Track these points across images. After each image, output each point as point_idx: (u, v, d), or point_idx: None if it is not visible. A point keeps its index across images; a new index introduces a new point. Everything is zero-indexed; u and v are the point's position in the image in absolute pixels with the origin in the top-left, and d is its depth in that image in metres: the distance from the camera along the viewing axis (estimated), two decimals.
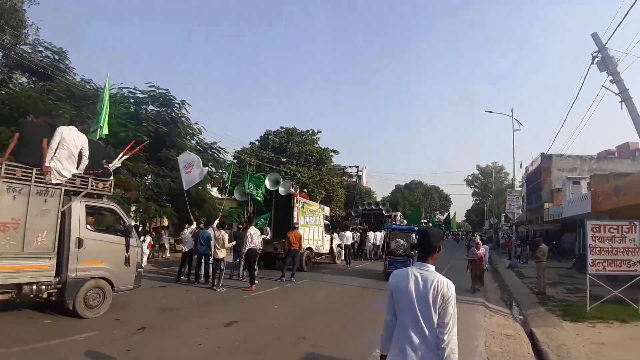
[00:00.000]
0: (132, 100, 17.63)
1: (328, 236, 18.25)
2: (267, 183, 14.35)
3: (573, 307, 9.54)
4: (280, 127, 40.94)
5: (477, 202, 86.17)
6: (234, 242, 11.59)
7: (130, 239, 7.79)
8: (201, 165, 13.06)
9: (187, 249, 12.13)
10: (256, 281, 11.94)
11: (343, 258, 19.16)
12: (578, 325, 7.93)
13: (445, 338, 2.46)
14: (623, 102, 11.03)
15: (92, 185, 7.34)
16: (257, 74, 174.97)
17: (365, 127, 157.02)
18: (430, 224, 50.07)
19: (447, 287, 2.52)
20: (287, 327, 7.07)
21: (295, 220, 14.11)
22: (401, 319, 2.59)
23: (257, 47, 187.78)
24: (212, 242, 11.01)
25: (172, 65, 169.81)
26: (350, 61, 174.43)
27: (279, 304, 9.21)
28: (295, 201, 14.75)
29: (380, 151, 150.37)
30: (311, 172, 37.66)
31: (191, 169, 12.95)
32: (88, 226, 7.44)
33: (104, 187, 7.61)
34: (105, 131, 10.23)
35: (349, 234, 19.34)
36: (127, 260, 7.75)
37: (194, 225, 12.60)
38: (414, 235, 13.99)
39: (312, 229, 16.18)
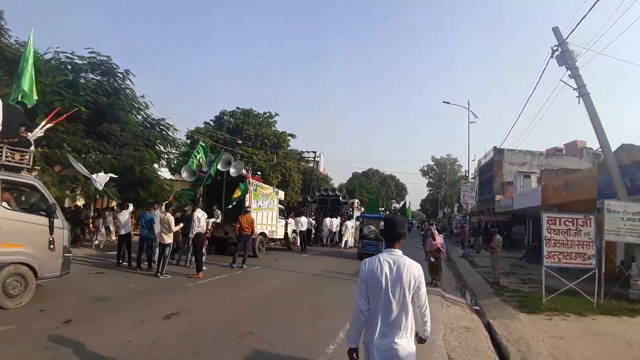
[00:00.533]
0: (69, 67, 15.98)
1: (283, 221, 17.64)
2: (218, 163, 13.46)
3: (529, 299, 9.49)
4: (237, 108, 39.55)
5: (432, 192, 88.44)
6: (181, 225, 10.75)
7: (55, 220, 6.80)
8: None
9: (124, 232, 11.09)
10: (205, 267, 11.21)
11: (298, 244, 18.64)
12: (535, 318, 7.79)
13: (426, 313, 2.78)
14: (580, 97, 11.01)
15: (6, 156, 6.29)
16: (211, 53, 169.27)
17: (322, 112, 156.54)
18: (387, 212, 50.73)
19: (418, 269, 2.72)
20: (232, 320, 6.41)
21: (247, 204, 13.35)
22: (375, 305, 2.66)
23: (211, 24, 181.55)
24: (157, 225, 10.09)
25: (124, 38, 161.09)
26: (309, 43, 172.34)
27: (226, 293, 8.51)
28: (247, 183, 13.97)
29: (338, 138, 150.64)
30: (268, 155, 36.76)
31: None
32: (4, 203, 6.42)
33: (21, 159, 6.55)
34: (35, 97, 9.05)
35: (304, 219, 18.79)
36: (51, 244, 6.78)
37: (131, 208, 11.57)
38: (382, 222, 14.91)
39: (265, 213, 15.48)
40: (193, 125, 38.86)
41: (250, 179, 14.07)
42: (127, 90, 17.36)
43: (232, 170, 13.45)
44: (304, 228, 18.50)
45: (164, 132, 18.72)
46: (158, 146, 17.78)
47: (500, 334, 6.65)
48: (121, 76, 17.19)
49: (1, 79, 13.13)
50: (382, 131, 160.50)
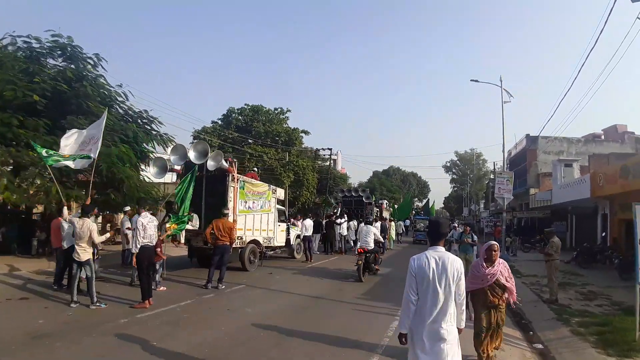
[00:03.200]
0: (27, 53, 13.65)
1: (283, 225, 14.84)
2: (192, 155, 10.76)
3: (613, 331, 6.48)
4: (245, 105, 37.21)
5: (456, 189, 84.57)
6: (107, 236, 8.16)
7: None
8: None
9: (66, 246, 8.39)
10: (163, 288, 8.69)
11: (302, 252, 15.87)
12: None
13: (463, 302, 3.25)
14: None
15: None
16: (219, 48, 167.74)
17: (338, 107, 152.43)
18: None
19: (459, 263, 3.22)
20: None
21: (226, 206, 10.59)
22: (424, 297, 3.12)
23: (223, 19, 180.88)
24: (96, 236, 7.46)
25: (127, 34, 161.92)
26: (323, 35, 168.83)
27: (169, 335, 5.79)
28: (230, 179, 11.27)
29: (356, 134, 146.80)
30: (279, 153, 34.24)
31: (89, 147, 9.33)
32: None
33: None
34: None
35: (308, 222, 15.84)
36: None
37: (74, 214, 9.00)
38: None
39: (258, 216, 12.73)
40: (200, 125, 36.56)
41: (234, 174, 11.35)
42: (102, 79, 14.99)
43: (209, 163, 10.75)
44: (309, 233, 15.59)
45: (146, 126, 16.24)
46: (138, 144, 15.18)
47: None
48: (92, 63, 14.81)
49: None
50: (402, 125, 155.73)
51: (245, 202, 11.99)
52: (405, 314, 3.18)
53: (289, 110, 38.04)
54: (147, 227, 7.51)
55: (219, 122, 36.93)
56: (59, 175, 12.55)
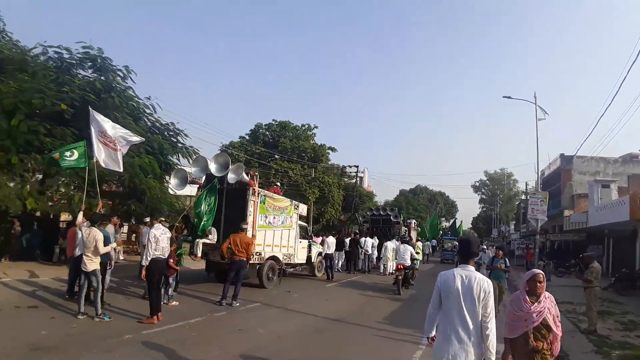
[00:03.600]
0: (58, 63, 13.95)
1: (304, 242, 14.38)
2: (213, 167, 10.56)
3: None
4: (273, 120, 37.37)
5: (485, 209, 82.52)
6: (113, 245, 7.93)
7: None
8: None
9: (77, 254, 8.19)
10: (174, 302, 8.40)
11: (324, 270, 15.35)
12: None
13: (489, 325, 3.03)
14: None
15: None
16: (254, 65, 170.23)
17: (366, 125, 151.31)
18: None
19: (487, 283, 3.10)
20: None
21: (245, 220, 10.25)
22: (448, 311, 3.11)
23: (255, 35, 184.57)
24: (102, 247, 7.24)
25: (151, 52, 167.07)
26: (349, 51, 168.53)
27: (173, 355, 5.42)
28: (251, 193, 10.98)
29: (383, 152, 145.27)
30: (305, 170, 34.04)
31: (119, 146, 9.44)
32: None
33: None
34: None
35: (331, 239, 15.32)
36: None
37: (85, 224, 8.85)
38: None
39: (278, 232, 12.35)
40: (228, 140, 36.89)
41: (255, 187, 11.06)
42: (130, 91, 15.16)
43: (230, 176, 10.51)
44: (331, 251, 15.04)
45: (172, 139, 16.31)
46: (163, 155, 15.20)
47: None
48: (122, 75, 15.02)
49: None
50: (430, 143, 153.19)
51: (266, 217, 11.65)
52: (428, 322, 3.29)
53: (316, 127, 37.96)
54: (159, 239, 7.24)
55: (247, 137, 37.15)
56: (81, 181, 12.67)
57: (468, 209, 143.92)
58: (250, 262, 10.32)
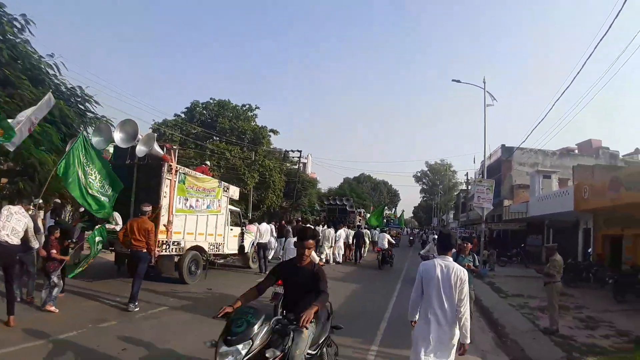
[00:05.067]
0: None
1: (236, 229, 12.58)
2: (117, 137, 8.44)
3: None
4: (211, 99, 34.74)
5: (425, 199, 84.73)
6: None
7: None
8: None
9: None
10: (51, 307, 6.41)
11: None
12: None
13: (462, 310, 3.45)
14: None
15: None
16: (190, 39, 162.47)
17: (310, 110, 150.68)
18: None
19: (463, 272, 3.58)
20: None
21: (148, 202, 8.00)
22: (428, 297, 3.56)
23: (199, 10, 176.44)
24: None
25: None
26: (300, 34, 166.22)
27: None
28: (166, 170, 8.98)
29: (327, 138, 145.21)
30: (244, 152, 31.96)
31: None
32: None
33: None
34: None
35: (264, 227, 13.33)
36: None
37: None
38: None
39: (203, 217, 10.47)
40: (161, 118, 33.88)
41: (173, 163, 9.09)
42: (26, 45, 12.33)
43: (139, 148, 8.46)
44: (265, 240, 13.22)
45: (80, 106, 13.67)
46: (66, 125, 12.57)
47: None
48: (18, 25, 12.18)
49: None
50: (374, 132, 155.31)
51: (187, 199, 9.71)
52: (412, 308, 3.76)
53: (257, 108, 35.78)
54: (13, 216, 5.23)
55: (182, 115, 34.29)
56: None
57: (410, 199, 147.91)
58: (163, 253, 8.47)
